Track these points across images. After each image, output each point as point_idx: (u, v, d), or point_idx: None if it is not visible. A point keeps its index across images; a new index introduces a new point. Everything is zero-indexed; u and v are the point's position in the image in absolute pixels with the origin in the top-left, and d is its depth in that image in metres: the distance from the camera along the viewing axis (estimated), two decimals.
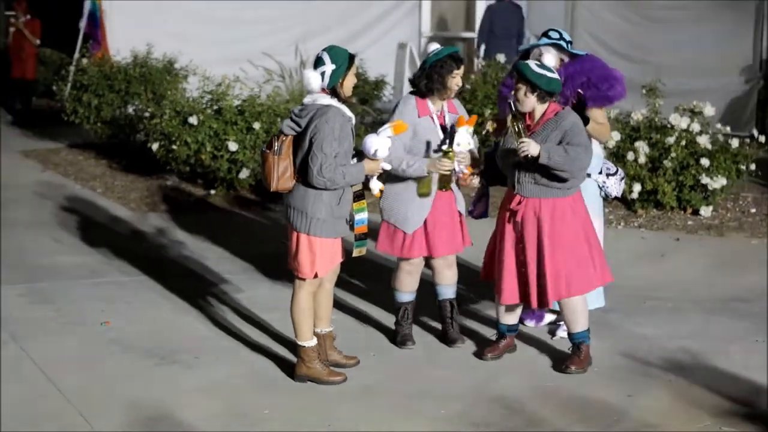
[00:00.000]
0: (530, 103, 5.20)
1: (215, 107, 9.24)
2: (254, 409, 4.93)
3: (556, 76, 5.19)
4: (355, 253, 5.25)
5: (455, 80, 5.42)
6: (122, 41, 12.15)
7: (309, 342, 5.20)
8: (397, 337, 5.75)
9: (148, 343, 5.79)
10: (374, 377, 5.33)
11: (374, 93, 12.21)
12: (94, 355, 5.60)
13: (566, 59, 5.72)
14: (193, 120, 9.02)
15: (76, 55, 12.39)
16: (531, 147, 5.04)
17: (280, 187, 5.06)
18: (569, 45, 5.72)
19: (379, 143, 5.07)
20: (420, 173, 5.41)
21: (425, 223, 5.54)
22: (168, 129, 9.14)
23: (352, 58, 5.12)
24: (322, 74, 5.03)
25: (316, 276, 5.14)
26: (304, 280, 5.15)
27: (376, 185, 5.25)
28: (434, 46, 5.48)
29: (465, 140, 5.37)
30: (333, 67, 5.03)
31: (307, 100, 5.09)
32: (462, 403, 5.01)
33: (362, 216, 5.19)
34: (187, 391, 5.13)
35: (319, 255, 5.10)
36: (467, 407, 4.97)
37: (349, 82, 5.13)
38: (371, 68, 12.46)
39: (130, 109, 11.05)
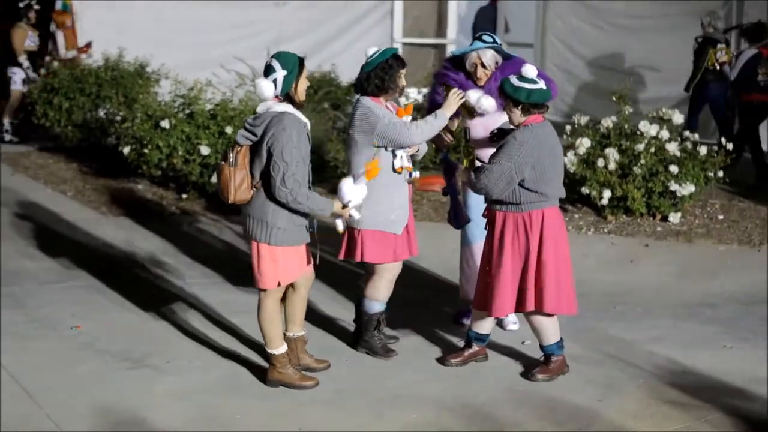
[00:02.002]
0: (516, 117, 5.22)
1: (187, 111, 9.21)
2: (225, 413, 4.93)
3: (538, 86, 5.18)
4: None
5: (402, 79, 5.47)
6: (94, 44, 12.10)
7: (279, 349, 5.19)
8: (375, 348, 5.65)
9: (119, 347, 5.76)
10: (346, 382, 5.34)
11: (346, 98, 12.21)
12: (65, 359, 5.57)
13: (500, 61, 5.84)
14: (165, 124, 8.99)
15: (47, 57, 12.31)
16: (461, 170, 5.36)
17: (238, 198, 5.00)
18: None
19: (354, 194, 5.05)
20: (445, 120, 5.44)
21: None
22: (140, 133, 9.11)
23: (302, 62, 5.04)
24: (274, 81, 4.96)
25: (279, 284, 5.10)
26: (264, 290, 5.11)
27: (341, 224, 5.23)
28: (373, 50, 5.49)
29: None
30: (284, 73, 4.96)
31: (260, 108, 5.02)
32: (434, 407, 5.03)
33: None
34: (158, 395, 5.12)
35: (282, 264, 5.05)
36: (439, 412, 4.99)
37: (302, 87, 5.06)
38: (344, 73, 12.48)
39: (102, 113, 10.98)
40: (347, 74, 12.51)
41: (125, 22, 12.69)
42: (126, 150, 9.32)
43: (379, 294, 5.61)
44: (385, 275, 5.58)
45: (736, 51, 10.25)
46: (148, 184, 9.68)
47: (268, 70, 4.99)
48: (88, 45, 12.08)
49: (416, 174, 5.59)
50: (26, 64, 11.91)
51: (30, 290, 6.82)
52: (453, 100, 5.48)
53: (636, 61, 12.30)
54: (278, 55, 5.03)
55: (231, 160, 4.96)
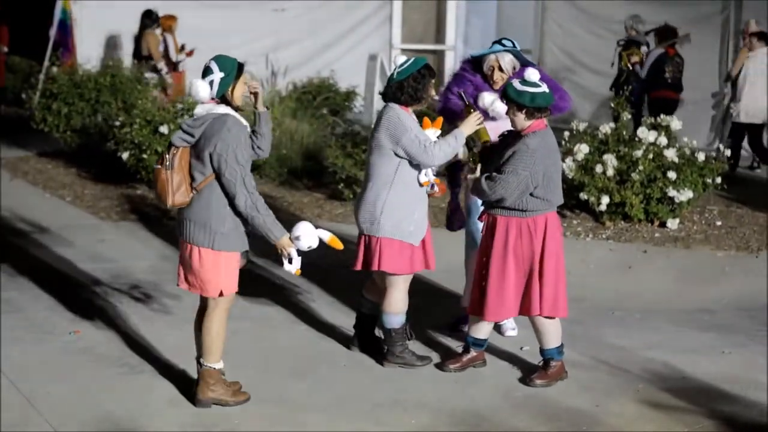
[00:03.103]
0: (520, 121, 5.22)
1: (186, 116, 9.23)
2: (224, 419, 4.93)
3: (542, 90, 5.19)
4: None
5: (432, 90, 5.46)
6: (93, 50, 12.12)
7: (218, 364, 5.03)
8: (409, 361, 5.57)
9: (118, 352, 5.77)
10: (344, 387, 5.34)
11: (345, 104, 12.25)
12: (64, 364, 5.57)
13: (518, 67, 5.83)
14: (164, 129, 9.01)
15: (46, 63, 12.33)
16: (469, 178, 5.27)
17: (177, 202, 4.85)
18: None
19: (307, 235, 4.84)
20: (463, 141, 5.40)
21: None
22: (138, 138, 9.13)
23: (240, 66, 4.92)
24: (211, 83, 4.84)
25: (221, 294, 4.92)
26: (215, 299, 4.94)
27: (294, 266, 4.91)
28: (403, 58, 5.49)
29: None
30: (221, 75, 4.83)
31: (199, 110, 4.88)
32: (432, 413, 5.04)
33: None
34: (157, 400, 5.12)
35: (224, 270, 4.89)
36: (438, 417, 4.99)
37: (239, 91, 4.91)
38: (342, 79, 12.52)
39: (100, 118, 11.01)
40: (346, 80, 12.56)
41: (125, 28, 12.72)
42: (125, 155, 9.34)
43: (398, 306, 5.52)
44: (399, 287, 5.50)
45: (646, 51, 11.09)
46: (146, 189, 9.69)
47: (206, 72, 4.87)
48: (191, 51, 12.31)
49: (435, 181, 5.52)
50: (165, 69, 12.12)
51: (29, 295, 6.82)
52: (473, 121, 5.43)
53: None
54: (217, 58, 4.92)
55: (168, 163, 4.83)
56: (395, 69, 5.44)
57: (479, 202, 5.76)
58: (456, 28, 14.60)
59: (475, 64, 5.91)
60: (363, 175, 8.69)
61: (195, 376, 5.35)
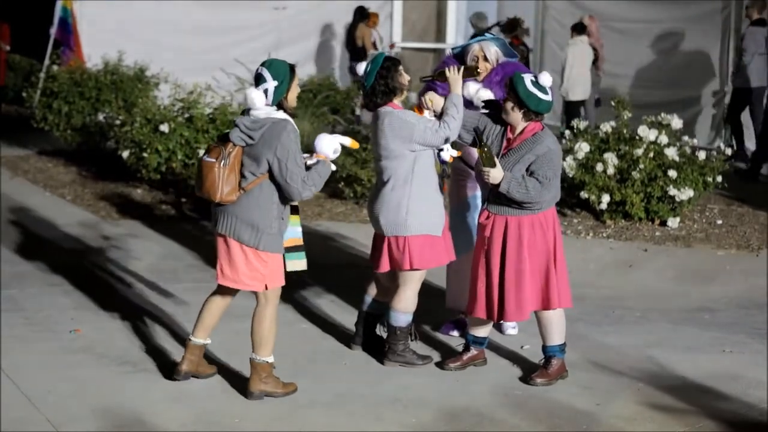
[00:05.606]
0: (516, 117, 5.22)
1: (186, 115, 9.23)
2: (225, 417, 4.93)
3: (548, 97, 5.17)
4: (289, 267, 5.13)
5: (404, 76, 5.40)
6: (93, 48, 12.12)
7: (269, 357, 5.11)
8: (412, 360, 5.55)
9: (118, 350, 5.77)
10: (345, 385, 5.35)
11: (345, 103, 12.25)
12: (64, 363, 5.57)
13: (502, 58, 5.77)
14: (164, 128, 9.01)
15: (47, 61, 12.33)
16: (491, 175, 5.15)
17: (226, 198, 4.92)
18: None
19: (327, 145, 5.08)
20: (461, 100, 5.31)
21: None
22: (139, 137, 9.12)
23: (293, 69, 4.99)
24: (265, 92, 4.89)
25: (266, 287, 5.04)
26: (265, 295, 5.06)
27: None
28: (363, 66, 5.41)
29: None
30: (275, 84, 4.89)
31: (259, 113, 4.91)
32: (433, 411, 5.04)
33: (297, 228, 5.12)
34: (158, 399, 5.12)
35: (272, 268, 5.02)
36: (438, 415, 5.00)
37: (293, 95, 5.00)
38: (343, 77, 12.53)
39: (101, 117, 11.00)
40: (346, 78, 12.57)
41: (125, 26, 12.73)
42: (125, 154, 9.34)
43: (408, 305, 5.49)
44: (413, 285, 5.48)
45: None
46: (147, 188, 9.69)
47: (259, 80, 4.92)
48: (393, 44, 14.04)
49: (457, 153, 5.52)
50: None
51: (29, 293, 6.82)
52: (454, 76, 5.35)
53: (633, 65, 12.33)
54: (269, 65, 4.95)
55: (224, 159, 4.89)
56: (362, 79, 5.40)
57: (478, 199, 5.75)
58: (456, 26, 14.61)
59: (456, 58, 5.85)
60: (364, 173, 8.75)
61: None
